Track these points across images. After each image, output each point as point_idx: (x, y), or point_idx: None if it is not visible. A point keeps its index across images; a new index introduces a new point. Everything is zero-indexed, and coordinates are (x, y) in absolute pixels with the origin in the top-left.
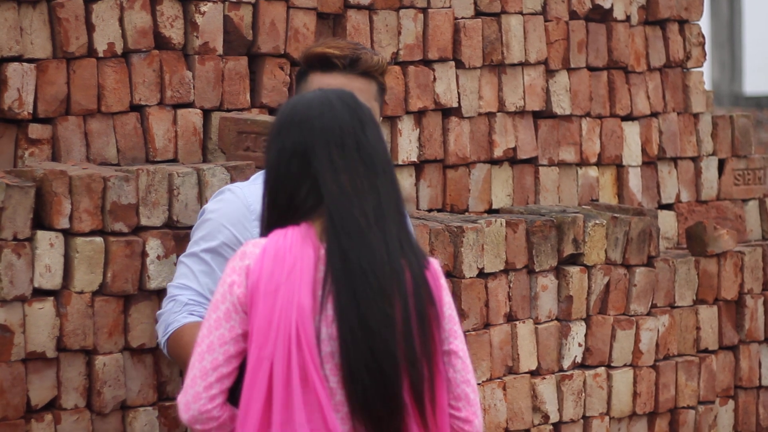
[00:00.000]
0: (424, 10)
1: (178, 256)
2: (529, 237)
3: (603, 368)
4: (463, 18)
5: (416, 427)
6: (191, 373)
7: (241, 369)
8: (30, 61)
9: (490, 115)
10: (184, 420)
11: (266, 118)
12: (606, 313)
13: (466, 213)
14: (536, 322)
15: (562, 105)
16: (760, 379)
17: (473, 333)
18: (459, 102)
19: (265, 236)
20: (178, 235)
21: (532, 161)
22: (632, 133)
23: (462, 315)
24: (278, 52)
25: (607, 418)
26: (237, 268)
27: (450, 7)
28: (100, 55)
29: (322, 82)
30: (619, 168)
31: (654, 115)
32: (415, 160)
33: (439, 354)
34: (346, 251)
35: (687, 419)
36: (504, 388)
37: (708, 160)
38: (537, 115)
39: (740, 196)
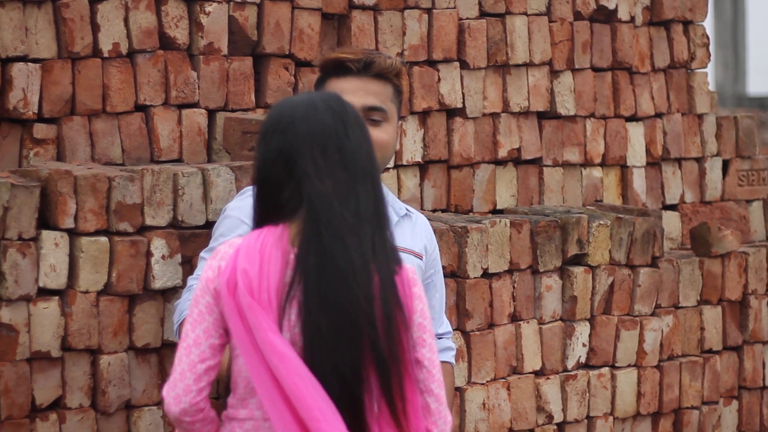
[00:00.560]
0: (428, 11)
1: (182, 256)
2: (533, 237)
3: (607, 368)
4: (467, 19)
5: (388, 427)
6: (179, 368)
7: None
8: (35, 61)
9: (494, 116)
10: (173, 413)
11: None
12: (610, 313)
13: (471, 213)
14: (540, 323)
15: (566, 105)
16: (764, 379)
17: (477, 333)
18: (463, 102)
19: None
20: (182, 235)
21: (537, 162)
22: (636, 133)
23: (466, 315)
24: (283, 53)
25: (611, 419)
26: (212, 266)
27: (454, 7)
28: (105, 55)
29: (338, 86)
30: (624, 168)
31: (658, 115)
32: (420, 160)
33: (408, 357)
34: (322, 252)
35: (691, 419)
36: (508, 388)
37: (712, 161)
38: (541, 116)
39: (744, 196)
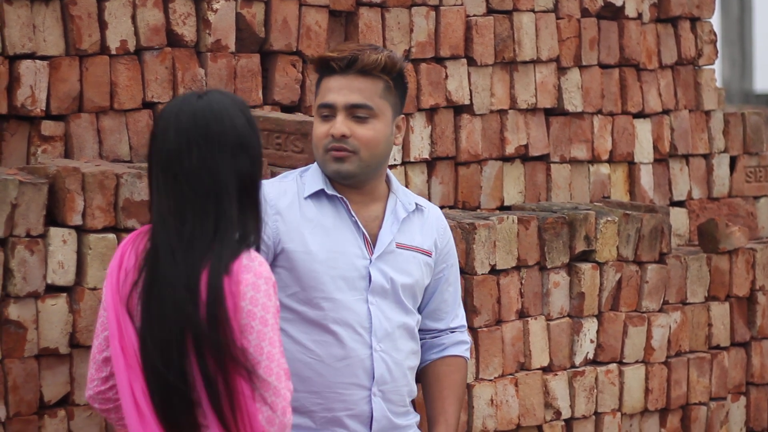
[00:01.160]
0: (436, 8)
1: None
2: (541, 234)
3: (615, 365)
4: (474, 15)
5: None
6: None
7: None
8: (43, 58)
9: (501, 113)
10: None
11: (279, 115)
12: (618, 309)
13: (478, 210)
14: (548, 319)
15: (573, 102)
16: None
17: (485, 329)
18: (471, 99)
19: None
20: None
21: (544, 158)
22: (644, 130)
23: (474, 311)
24: (290, 50)
25: (619, 415)
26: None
27: (462, 4)
28: (113, 52)
29: (327, 85)
30: (631, 165)
31: (666, 112)
32: (427, 157)
33: (236, 354)
34: (155, 267)
35: (699, 415)
36: (516, 385)
37: (719, 158)
38: (549, 113)
39: (752, 193)
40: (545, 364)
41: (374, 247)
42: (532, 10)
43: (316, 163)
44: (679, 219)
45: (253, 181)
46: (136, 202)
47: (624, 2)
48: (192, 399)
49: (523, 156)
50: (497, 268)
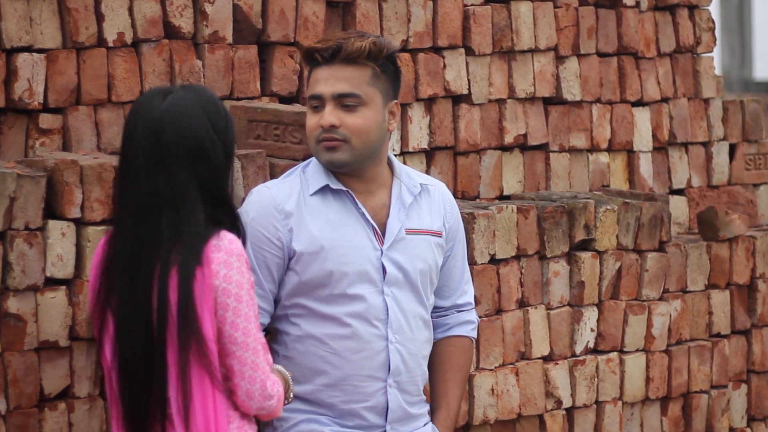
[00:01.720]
0: None
1: None
2: (540, 223)
3: (615, 353)
4: (472, 5)
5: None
6: None
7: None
8: (40, 51)
9: (500, 102)
10: None
11: (276, 106)
12: (618, 298)
13: (477, 200)
14: (548, 308)
15: (572, 91)
16: None
17: (485, 319)
18: (469, 89)
19: None
20: None
21: (543, 147)
22: (643, 118)
23: (474, 301)
24: (288, 41)
25: (620, 403)
26: None
27: None
28: (110, 44)
29: (315, 76)
30: (630, 154)
31: (664, 100)
32: (426, 147)
33: (208, 342)
34: (110, 280)
35: (700, 404)
36: (517, 374)
37: (719, 145)
38: (547, 102)
39: (751, 180)
40: (546, 353)
41: (384, 237)
42: None
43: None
44: (678, 207)
45: (217, 186)
46: None
47: None
48: (157, 393)
49: (522, 145)
50: (497, 257)
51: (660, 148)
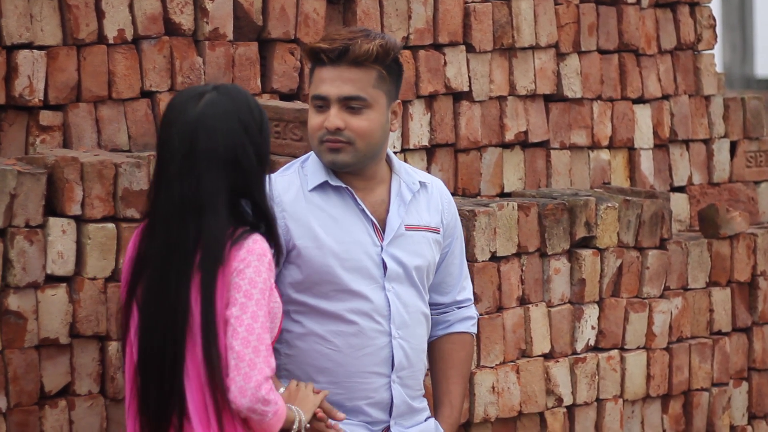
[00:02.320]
0: None
1: None
2: (541, 220)
3: (616, 351)
4: (473, 2)
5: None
6: None
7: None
8: (40, 48)
9: (501, 99)
10: None
11: (277, 103)
12: (619, 295)
13: (478, 197)
14: (549, 306)
15: (573, 88)
16: None
17: (486, 317)
18: (470, 86)
19: None
20: None
21: (544, 145)
22: (644, 115)
23: (475, 299)
24: (288, 38)
25: (620, 401)
26: None
27: None
28: (111, 41)
29: (319, 76)
30: (631, 151)
31: (665, 97)
32: (427, 144)
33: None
34: (135, 279)
35: (701, 401)
36: (517, 372)
37: (720, 143)
38: (548, 99)
39: (752, 178)
40: (546, 350)
41: (384, 233)
42: None
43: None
44: (679, 204)
45: (249, 190)
46: (135, 192)
47: None
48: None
49: (523, 142)
50: (498, 255)
51: (661, 146)
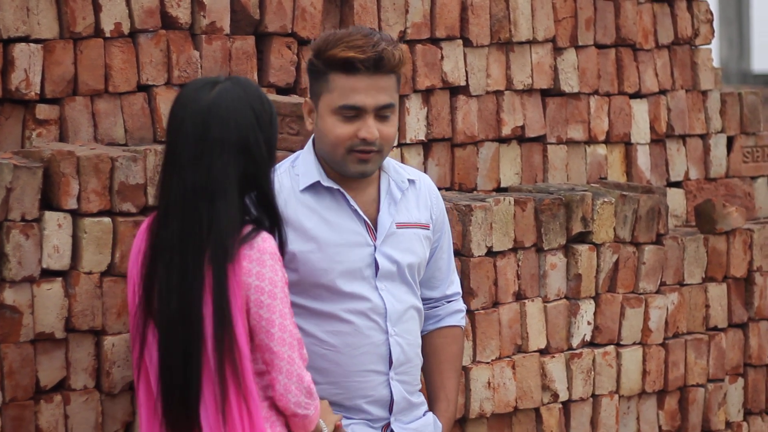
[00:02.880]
0: None
1: None
2: (537, 215)
3: (612, 346)
4: None
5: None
6: None
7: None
8: (37, 41)
9: (497, 94)
10: None
11: (274, 97)
12: (615, 291)
13: (475, 191)
14: (545, 301)
15: (570, 83)
16: None
17: (482, 312)
18: (467, 80)
19: None
20: None
21: (541, 139)
22: (640, 110)
23: (471, 294)
24: (285, 32)
25: (616, 397)
26: None
27: None
28: (107, 35)
29: (346, 84)
30: (628, 146)
31: (662, 92)
32: (423, 138)
33: (240, 343)
34: (151, 266)
35: (696, 397)
36: (513, 367)
37: (716, 138)
38: (545, 93)
39: (749, 173)
40: (542, 346)
41: (376, 232)
42: None
43: (306, 151)
44: (676, 200)
45: (258, 180)
46: (131, 186)
47: None
48: (194, 392)
49: (520, 137)
50: (494, 250)
51: (658, 141)
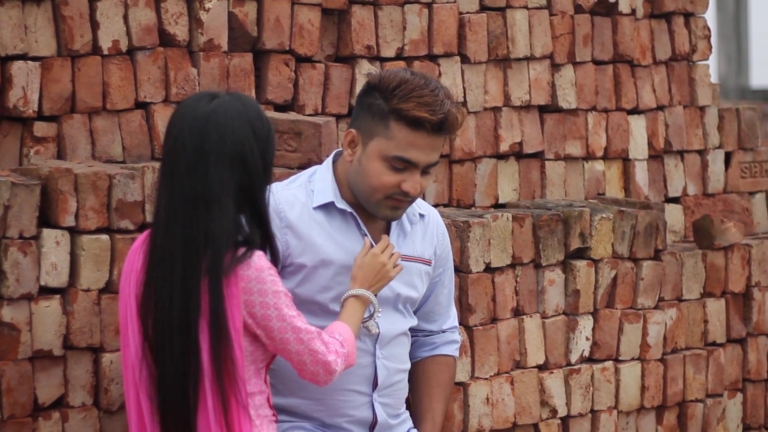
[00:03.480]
0: (428, 5)
1: None
2: (535, 231)
3: (611, 362)
4: (467, 13)
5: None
6: None
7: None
8: (35, 59)
9: (495, 110)
10: None
11: (272, 114)
12: (613, 306)
13: (473, 208)
14: (543, 317)
15: (567, 99)
16: None
17: (480, 328)
18: (464, 97)
19: None
20: None
21: (538, 155)
22: (638, 126)
23: (469, 310)
24: (283, 48)
25: (615, 412)
26: None
27: (455, 1)
28: (105, 52)
29: (408, 138)
30: (626, 162)
31: (660, 108)
32: None
33: (232, 351)
34: (150, 275)
35: (695, 412)
36: (512, 383)
37: (714, 153)
38: (543, 110)
39: (747, 188)
40: (541, 362)
41: None
42: (525, 7)
43: (324, 169)
44: (674, 215)
45: (252, 193)
46: (129, 203)
47: None
48: (192, 403)
49: (518, 153)
50: (492, 266)
51: (655, 156)
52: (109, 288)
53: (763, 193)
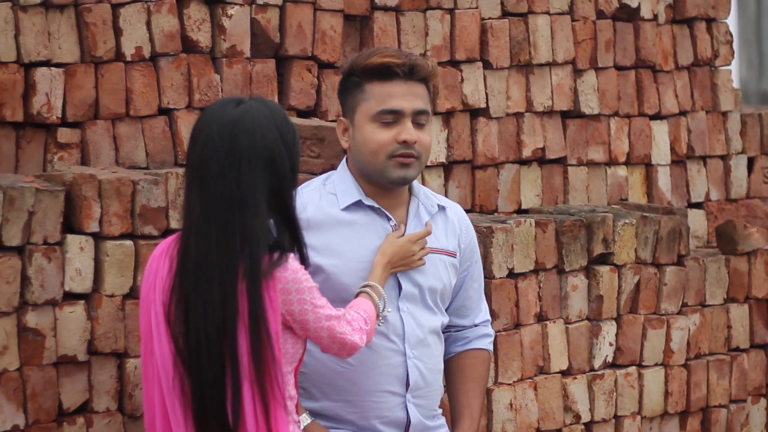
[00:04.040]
0: (450, 11)
1: None
2: (558, 237)
3: (634, 367)
4: (490, 18)
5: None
6: None
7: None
8: (58, 65)
9: (518, 116)
10: None
11: (295, 120)
12: (636, 312)
13: (496, 213)
14: (567, 322)
15: (590, 104)
16: None
17: (504, 333)
18: (487, 102)
19: None
20: None
21: (561, 161)
22: (661, 132)
23: (492, 315)
24: (306, 55)
25: (638, 418)
26: None
27: (477, 7)
28: (128, 59)
29: (383, 90)
30: (648, 167)
31: (682, 113)
32: (444, 161)
33: (270, 351)
34: (184, 282)
35: (719, 418)
36: (535, 388)
37: (737, 159)
38: (565, 115)
39: None
40: (564, 367)
41: None
42: (548, 13)
43: (341, 171)
44: (697, 221)
45: (281, 196)
46: (152, 209)
47: (639, 3)
48: (234, 408)
49: (540, 159)
50: (515, 271)
51: (678, 162)
52: (133, 293)
53: None
